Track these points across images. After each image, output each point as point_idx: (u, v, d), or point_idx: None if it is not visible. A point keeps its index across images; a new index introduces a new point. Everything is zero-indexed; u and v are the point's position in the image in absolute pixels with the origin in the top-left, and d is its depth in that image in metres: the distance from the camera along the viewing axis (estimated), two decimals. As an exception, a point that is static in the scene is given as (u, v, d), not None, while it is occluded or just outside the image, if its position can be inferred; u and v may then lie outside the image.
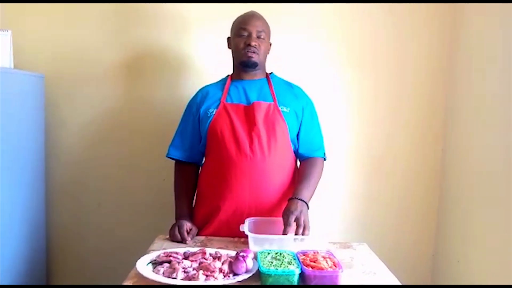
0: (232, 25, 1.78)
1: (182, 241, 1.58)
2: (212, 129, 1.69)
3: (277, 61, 1.96)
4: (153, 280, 1.22)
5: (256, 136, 1.65)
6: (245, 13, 1.77)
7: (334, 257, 1.34)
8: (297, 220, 1.50)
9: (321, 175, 1.75)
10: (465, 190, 2.04)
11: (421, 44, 2.19)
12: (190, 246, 1.51)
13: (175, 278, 1.22)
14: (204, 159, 1.81)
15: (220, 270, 1.26)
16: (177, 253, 1.35)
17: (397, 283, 1.32)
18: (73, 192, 2.24)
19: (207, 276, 1.23)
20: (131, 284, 1.24)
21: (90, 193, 2.24)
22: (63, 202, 2.24)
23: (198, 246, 1.50)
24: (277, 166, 1.67)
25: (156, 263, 1.32)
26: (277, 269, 1.24)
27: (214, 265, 1.27)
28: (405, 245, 2.26)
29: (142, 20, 2.17)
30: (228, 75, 1.82)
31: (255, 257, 1.33)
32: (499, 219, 1.74)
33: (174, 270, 1.25)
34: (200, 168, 1.82)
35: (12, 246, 1.85)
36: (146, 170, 2.22)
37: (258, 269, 1.26)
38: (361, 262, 1.47)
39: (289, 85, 1.82)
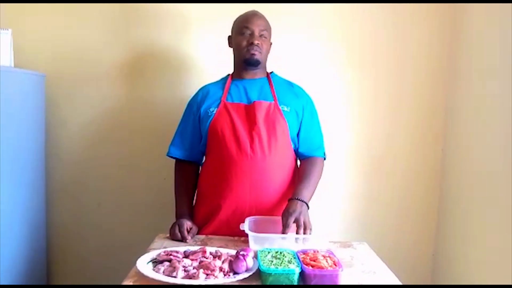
0: (234, 23, 1.79)
1: (183, 240, 1.58)
2: (213, 128, 1.69)
3: (277, 61, 1.96)
4: (153, 279, 1.22)
5: (256, 135, 1.65)
6: (247, 12, 1.77)
7: (334, 256, 1.34)
8: (297, 221, 1.50)
9: (321, 174, 1.75)
10: (465, 190, 2.04)
11: (421, 44, 2.19)
12: (190, 245, 1.51)
13: (175, 277, 1.22)
14: (204, 158, 1.81)
15: (220, 269, 1.27)
16: (177, 252, 1.35)
17: (397, 282, 1.32)
18: (73, 192, 2.24)
19: (207, 275, 1.23)
20: (131, 283, 1.24)
21: (90, 193, 2.24)
22: (63, 202, 2.24)
23: (198, 245, 1.50)
24: (277, 165, 1.68)
25: (156, 262, 1.33)
26: (277, 268, 1.24)
27: (214, 264, 1.27)
28: (405, 245, 2.26)
29: (142, 20, 2.17)
30: (228, 74, 1.83)
31: (255, 256, 1.33)
32: (499, 219, 1.74)
33: (174, 268, 1.25)
34: (201, 167, 1.82)
35: (12, 246, 1.85)
36: (146, 170, 2.22)
37: (258, 268, 1.26)
38: (361, 261, 1.47)
39: (290, 84, 1.83)
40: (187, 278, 1.21)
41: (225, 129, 1.67)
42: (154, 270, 1.27)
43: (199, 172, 1.82)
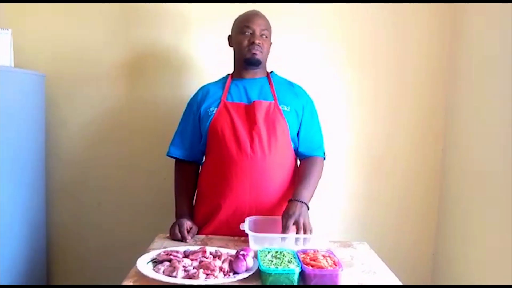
0: (234, 23, 1.79)
1: (183, 239, 1.58)
2: (213, 128, 1.69)
3: (277, 61, 1.96)
4: (153, 279, 1.22)
5: (256, 135, 1.65)
6: (248, 12, 1.77)
7: (334, 256, 1.34)
8: (296, 223, 1.50)
9: (321, 174, 1.75)
10: (465, 190, 2.04)
11: (421, 44, 2.20)
12: (190, 245, 1.51)
13: (175, 277, 1.22)
14: (204, 158, 1.81)
15: (220, 269, 1.26)
16: (177, 252, 1.35)
17: (397, 282, 1.32)
18: (73, 191, 2.24)
19: (207, 274, 1.23)
20: (131, 283, 1.24)
21: (90, 193, 2.24)
22: (63, 202, 2.24)
23: (198, 245, 1.50)
24: (277, 165, 1.68)
25: (156, 262, 1.32)
26: (277, 267, 1.24)
27: (214, 264, 1.27)
28: (405, 245, 2.26)
29: (142, 20, 2.17)
30: (228, 74, 1.83)
31: (255, 256, 1.33)
32: (499, 219, 1.74)
33: (174, 268, 1.24)
34: (201, 167, 1.82)
35: (12, 246, 1.85)
36: (146, 170, 2.22)
37: (258, 267, 1.26)
38: (361, 261, 1.47)
39: (290, 84, 1.83)
40: (187, 278, 1.21)
41: (225, 129, 1.67)
42: (154, 270, 1.27)
43: (199, 172, 1.82)
